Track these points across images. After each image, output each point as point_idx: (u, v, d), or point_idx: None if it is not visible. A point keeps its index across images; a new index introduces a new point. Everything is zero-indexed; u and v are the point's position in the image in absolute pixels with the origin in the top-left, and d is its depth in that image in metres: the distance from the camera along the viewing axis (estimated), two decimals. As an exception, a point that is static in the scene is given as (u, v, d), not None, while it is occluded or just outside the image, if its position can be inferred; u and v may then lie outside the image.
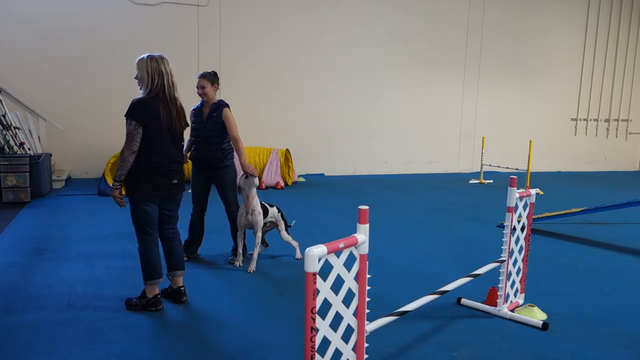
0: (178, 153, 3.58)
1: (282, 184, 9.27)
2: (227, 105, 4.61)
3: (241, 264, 4.63)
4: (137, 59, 3.44)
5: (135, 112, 3.35)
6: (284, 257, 4.94)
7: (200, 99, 4.60)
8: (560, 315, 3.66)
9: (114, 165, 8.21)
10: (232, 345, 3.10)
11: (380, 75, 11.58)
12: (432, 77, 12.09)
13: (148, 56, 3.41)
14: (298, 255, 4.87)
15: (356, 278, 2.30)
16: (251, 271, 4.47)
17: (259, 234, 4.60)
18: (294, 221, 5.22)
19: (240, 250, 4.64)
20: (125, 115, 3.36)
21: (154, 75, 3.38)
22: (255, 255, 4.57)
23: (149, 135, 3.38)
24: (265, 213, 4.73)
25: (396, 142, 12.00)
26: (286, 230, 4.89)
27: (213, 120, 4.54)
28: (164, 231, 3.71)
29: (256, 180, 4.57)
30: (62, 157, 9.52)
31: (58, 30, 9.25)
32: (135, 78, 3.46)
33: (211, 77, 4.54)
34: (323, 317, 2.12)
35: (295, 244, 4.87)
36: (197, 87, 4.52)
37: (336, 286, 2.31)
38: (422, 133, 12.22)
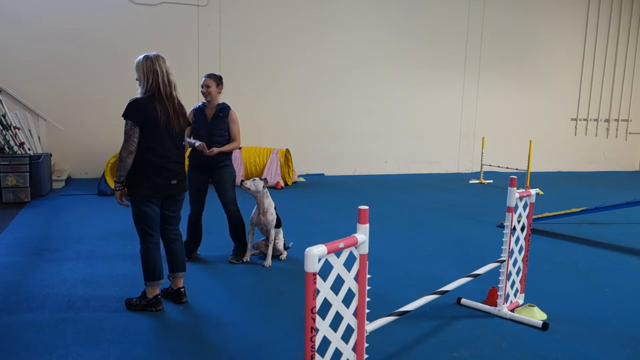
0: (177, 153, 3.56)
1: (282, 184, 9.27)
2: (231, 108, 4.62)
3: (248, 259, 4.71)
4: (135, 60, 3.46)
5: (131, 111, 3.36)
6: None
7: (202, 99, 4.60)
8: (560, 315, 3.66)
9: (114, 165, 8.21)
10: (232, 345, 3.10)
11: (380, 75, 11.58)
12: (432, 77, 12.09)
13: (144, 57, 3.42)
14: (267, 263, 4.68)
15: (356, 278, 2.30)
16: (267, 265, 4.60)
17: (273, 232, 4.66)
18: (292, 242, 5.25)
19: (249, 245, 4.74)
20: (122, 116, 3.37)
21: (149, 74, 3.39)
22: (269, 252, 4.65)
23: (146, 135, 3.38)
24: (279, 223, 4.78)
25: (396, 142, 12.00)
26: (284, 246, 4.92)
27: (219, 121, 4.53)
28: (165, 232, 3.71)
29: (258, 184, 4.60)
30: (62, 157, 9.53)
31: (58, 30, 9.25)
32: (136, 80, 3.47)
33: (217, 79, 4.53)
34: (323, 317, 2.12)
35: (270, 255, 4.71)
36: (202, 86, 4.51)
37: (336, 286, 2.31)
38: (422, 133, 12.23)
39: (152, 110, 3.37)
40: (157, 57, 3.43)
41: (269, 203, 4.66)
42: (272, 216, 4.64)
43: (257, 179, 4.63)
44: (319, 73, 11.07)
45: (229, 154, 4.67)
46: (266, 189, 4.68)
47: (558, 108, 13.55)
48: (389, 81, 11.69)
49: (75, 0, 9.30)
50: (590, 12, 13.38)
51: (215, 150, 4.45)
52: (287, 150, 9.77)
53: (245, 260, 4.71)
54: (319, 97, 11.15)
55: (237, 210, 4.74)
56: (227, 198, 4.69)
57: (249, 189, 4.57)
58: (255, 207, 4.69)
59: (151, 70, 3.39)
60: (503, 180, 11.09)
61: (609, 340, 3.29)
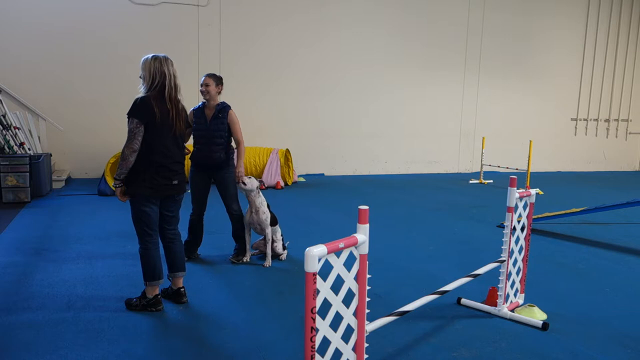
0: (179, 153, 3.58)
1: (282, 184, 9.27)
2: (230, 107, 4.61)
3: (248, 260, 4.72)
4: (142, 58, 3.45)
5: (138, 110, 3.35)
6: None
7: (201, 99, 4.60)
8: (560, 315, 3.66)
9: (114, 165, 8.21)
10: (232, 345, 3.10)
11: (380, 75, 11.58)
12: (432, 77, 12.09)
13: (152, 56, 3.42)
14: (267, 263, 4.69)
15: (356, 278, 2.30)
16: (267, 265, 4.61)
17: (269, 230, 4.65)
18: (288, 242, 5.25)
19: (248, 246, 4.74)
20: (127, 114, 3.36)
21: (155, 75, 3.38)
22: (268, 251, 4.65)
23: (150, 134, 3.38)
24: (274, 220, 4.77)
25: (396, 142, 12.00)
26: (283, 247, 4.92)
27: (218, 121, 4.53)
28: (164, 232, 3.71)
29: (253, 183, 4.61)
30: (62, 157, 9.53)
31: (58, 30, 9.25)
32: (140, 77, 3.47)
33: (217, 78, 4.54)
34: (323, 317, 2.12)
35: (270, 255, 4.72)
36: (201, 85, 4.51)
37: (336, 286, 2.31)
38: (422, 133, 12.23)
39: (157, 110, 3.37)
40: (165, 59, 3.43)
41: (261, 202, 4.64)
42: (264, 215, 4.63)
43: (252, 177, 4.65)
44: (319, 73, 11.07)
45: (230, 154, 4.67)
46: (259, 189, 4.67)
47: (558, 108, 13.55)
48: (389, 81, 11.68)
49: (75, 0, 9.30)
50: (590, 12, 13.38)
51: (244, 179, 4.54)
52: (287, 150, 9.77)
53: (245, 260, 4.71)
54: (318, 97, 11.15)
55: (240, 210, 4.75)
56: (230, 198, 4.70)
57: (244, 184, 4.57)
58: (248, 207, 4.69)
59: (159, 71, 3.38)
60: (503, 180, 11.09)
61: (609, 340, 3.29)
